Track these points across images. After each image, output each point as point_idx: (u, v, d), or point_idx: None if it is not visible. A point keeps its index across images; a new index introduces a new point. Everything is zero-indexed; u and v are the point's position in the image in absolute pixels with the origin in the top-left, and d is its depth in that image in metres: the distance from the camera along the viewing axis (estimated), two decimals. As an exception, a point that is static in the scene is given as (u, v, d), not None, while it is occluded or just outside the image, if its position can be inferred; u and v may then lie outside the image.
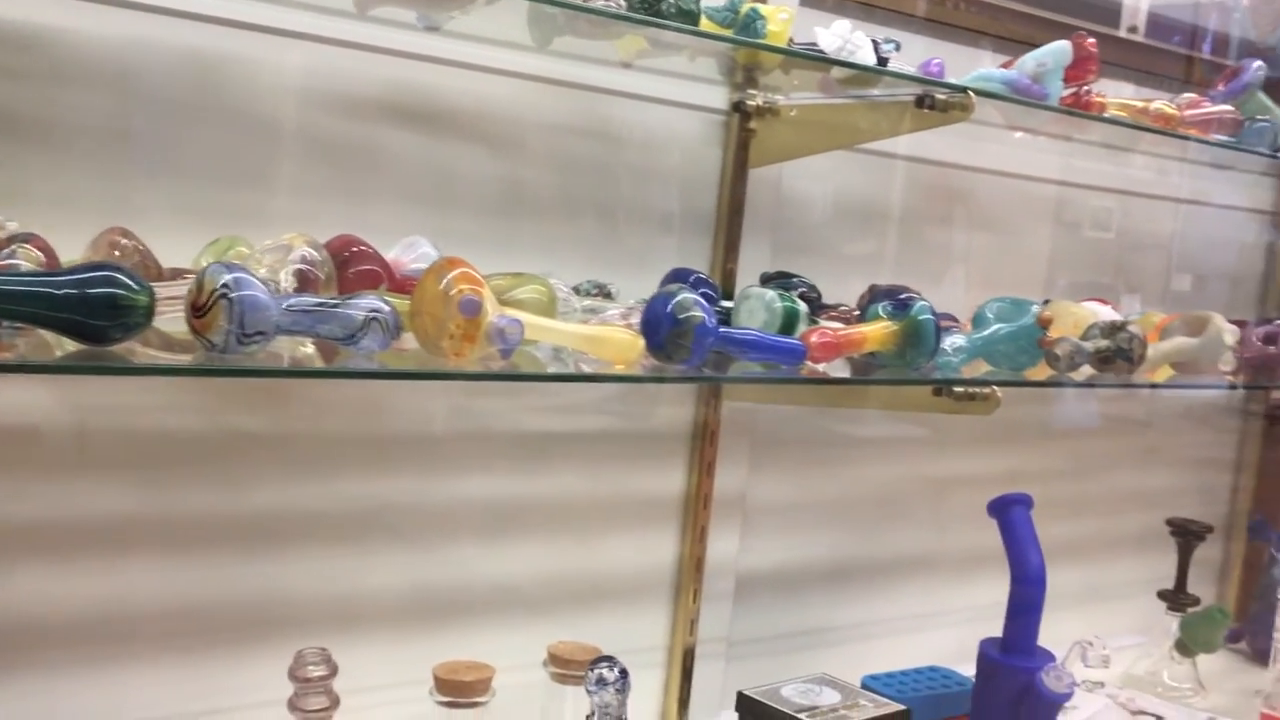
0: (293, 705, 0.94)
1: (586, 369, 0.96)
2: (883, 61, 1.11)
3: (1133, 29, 1.68)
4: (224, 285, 0.71)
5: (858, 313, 1.18)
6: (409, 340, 0.86)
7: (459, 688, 1.00)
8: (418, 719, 1.04)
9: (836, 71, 1.12)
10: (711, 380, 1.22)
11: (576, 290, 1.10)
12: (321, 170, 1.06)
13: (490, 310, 0.83)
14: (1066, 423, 1.72)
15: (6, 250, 0.78)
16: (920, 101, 1.09)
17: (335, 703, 0.94)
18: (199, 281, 0.72)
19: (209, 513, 1.04)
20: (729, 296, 1.20)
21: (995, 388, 1.11)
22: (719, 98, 1.27)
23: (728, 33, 1.02)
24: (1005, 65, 1.24)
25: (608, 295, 1.11)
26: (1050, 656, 1.21)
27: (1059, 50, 1.21)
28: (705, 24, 1.01)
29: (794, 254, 1.35)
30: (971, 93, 1.08)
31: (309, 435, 1.08)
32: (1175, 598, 1.60)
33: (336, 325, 0.78)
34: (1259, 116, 1.46)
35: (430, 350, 0.84)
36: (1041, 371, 1.19)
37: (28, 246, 0.79)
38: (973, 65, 1.24)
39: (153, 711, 1.03)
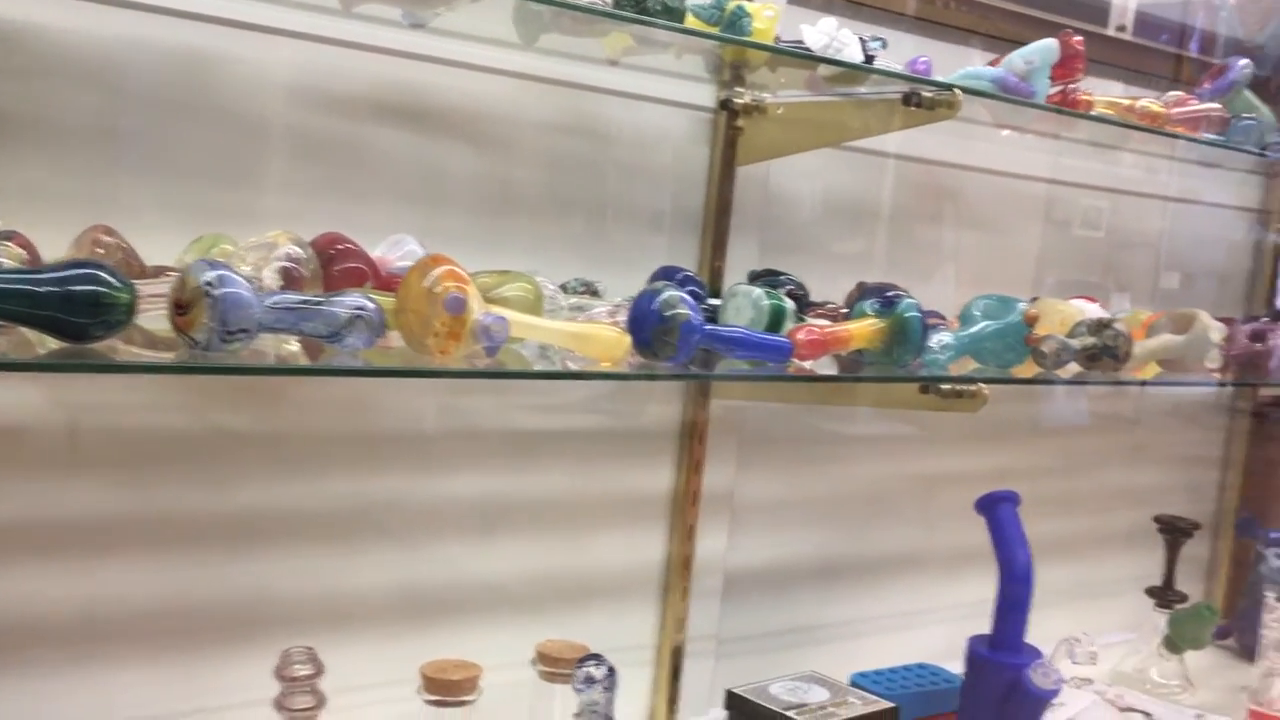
0: (279, 704, 0.93)
1: (573, 367, 0.96)
2: (869, 59, 1.11)
3: (1121, 28, 1.68)
4: (207, 283, 0.71)
5: (845, 310, 1.18)
6: (394, 338, 0.86)
7: (446, 686, 1.00)
8: (405, 718, 1.04)
9: (823, 69, 1.12)
10: (697, 378, 1.22)
11: (563, 288, 1.10)
12: (308, 168, 1.05)
13: (475, 308, 0.83)
14: (1055, 420, 1.72)
15: (-12, 248, 0.78)
16: (907, 99, 1.09)
17: (322, 702, 0.94)
18: (181, 279, 0.72)
19: (195, 512, 1.03)
20: (717, 294, 1.20)
21: (982, 385, 1.11)
22: (706, 95, 1.27)
23: (714, 30, 1.02)
24: (993, 63, 1.24)
25: (594, 293, 1.11)
26: (1038, 653, 1.21)
27: (1046, 48, 1.22)
28: (691, 21, 1.01)
29: (783, 252, 1.35)
30: (958, 90, 1.08)
31: (295, 434, 1.07)
32: (1163, 595, 1.60)
33: (320, 323, 0.78)
34: (1245, 114, 1.46)
35: (415, 348, 0.84)
36: (1028, 369, 1.19)
37: (9, 244, 0.79)
38: (961, 64, 1.24)
39: (139, 711, 1.03)
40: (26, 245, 0.81)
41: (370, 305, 0.79)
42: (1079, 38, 1.26)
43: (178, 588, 1.03)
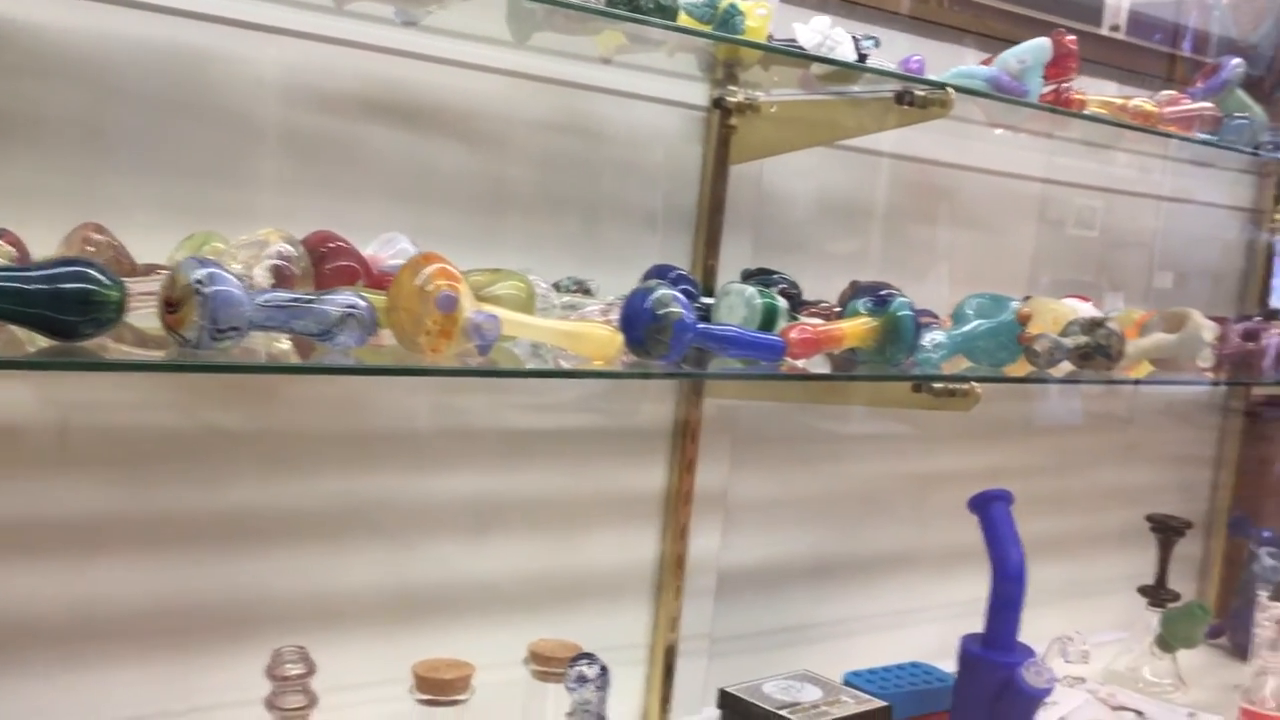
0: (270, 704, 0.93)
1: (566, 365, 0.96)
2: (862, 58, 1.11)
3: (1115, 27, 1.68)
4: (197, 280, 0.71)
5: (838, 309, 1.18)
6: (386, 336, 0.85)
7: (439, 686, 1.00)
8: (397, 717, 1.03)
9: (816, 68, 1.12)
10: (690, 376, 1.22)
11: (556, 286, 1.10)
12: (300, 166, 1.05)
13: (467, 306, 0.83)
14: (1048, 419, 1.73)
15: (-22, 246, 0.77)
16: (900, 98, 1.09)
17: (313, 701, 0.94)
18: (171, 277, 0.72)
19: (187, 510, 1.03)
20: (710, 293, 1.20)
21: (975, 384, 1.11)
22: (699, 94, 1.27)
23: (707, 28, 1.02)
24: (985, 62, 1.24)
25: (587, 291, 1.11)
26: (1031, 652, 1.21)
27: (1039, 47, 1.22)
28: (684, 19, 1.01)
29: (776, 251, 1.35)
30: (951, 89, 1.08)
31: (288, 432, 1.07)
32: (1156, 593, 1.61)
33: (311, 321, 0.77)
34: (1238, 114, 1.46)
35: (407, 346, 0.84)
36: (1021, 368, 1.20)
37: (-1, 242, 0.79)
38: (955, 63, 1.24)
39: (131, 710, 1.03)
40: (16, 243, 0.81)
41: (362, 303, 0.79)
42: (1072, 37, 1.26)
43: (170, 587, 1.03)
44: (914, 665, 1.38)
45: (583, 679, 0.96)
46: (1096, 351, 1.20)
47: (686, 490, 1.32)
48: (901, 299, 1.08)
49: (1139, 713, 1.47)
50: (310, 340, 0.79)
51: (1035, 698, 1.19)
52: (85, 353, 0.72)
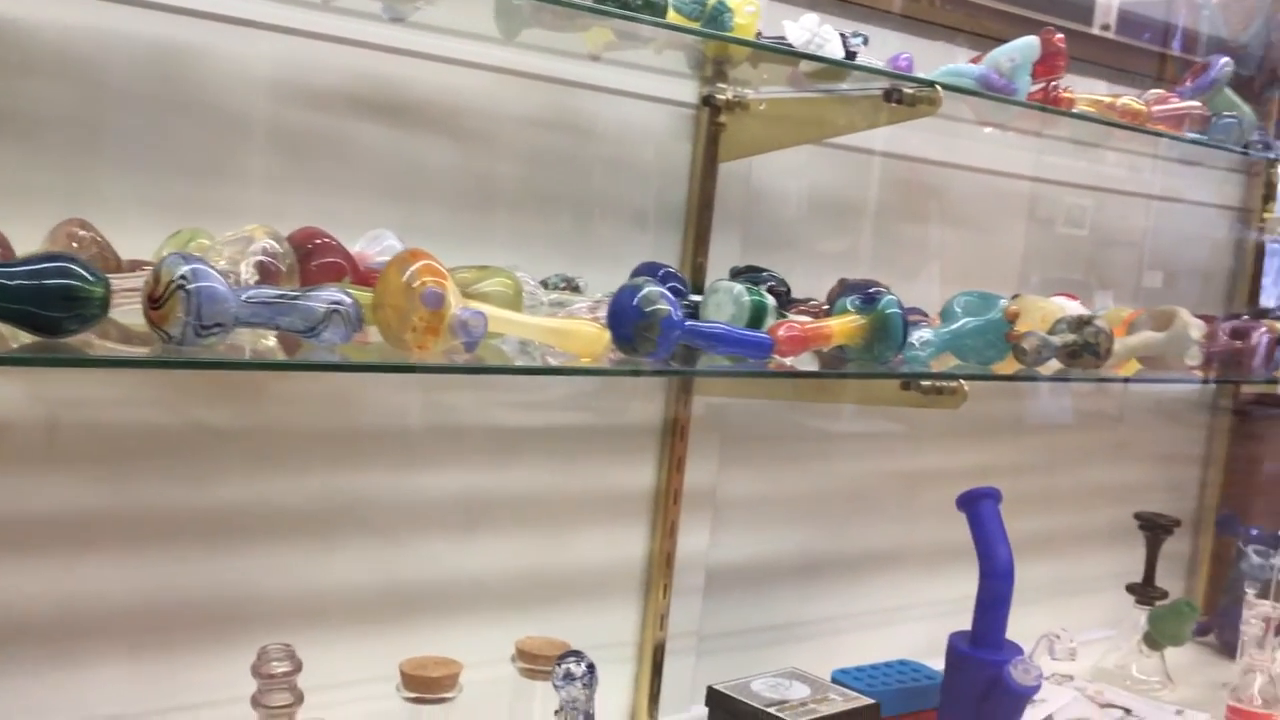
0: (256, 702, 0.93)
1: (553, 362, 0.96)
2: (851, 56, 1.11)
3: (1105, 26, 1.68)
4: (181, 276, 0.71)
5: (827, 307, 1.18)
6: (373, 333, 0.85)
7: (426, 684, 0.99)
8: (385, 715, 1.03)
9: (805, 65, 1.12)
10: (676, 373, 1.22)
11: (544, 284, 1.10)
12: (287, 163, 1.05)
13: (454, 303, 0.83)
14: (1037, 417, 1.73)
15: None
16: (888, 96, 1.09)
17: (299, 699, 0.94)
18: (156, 273, 0.71)
19: (175, 508, 1.03)
20: (699, 290, 1.20)
21: (962, 382, 1.11)
22: (688, 91, 1.27)
23: (695, 25, 1.02)
24: (975, 60, 1.24)
25: (575, 289, 1.11)
26: (1018, 650, 1.21)
27: (1027, 45, 1.22)
28: (673, 16, 1.01)
29: (766, 249, 1.35)
30: (939, 87, 1.08)
31: (275, 429, 1.07)
32: (1144, 591, 1.61)
33: (297, 317, 0.77)
34: (1226, 112, 1.47)
35: (393, 343, 0.84)
36: (1009, 365, 1.20)
37: (-18, 237, 0.78)
38: (947, 61, 1.24)
39: (117, 708, 1.02)
40: (-1, 239, 0.81)
41: (347, 300, 0.78)
42: (1060, 35, 1.26)
43: (157, 584, 1.03)
44: (902, 663, 1.38)
45: (570, 677, 0.96)
46: (1084, 349, 1.20)
47: (675, 488, 1.32)
48: (889, 297, 1.08)
49: (1127, 710, 1.47)
50: (296, 337, 0.79)
51: (1023, 695, 1.19)
52: (69, 349, 0.72)
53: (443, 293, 0.81)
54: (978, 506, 1.23)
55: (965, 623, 1.24)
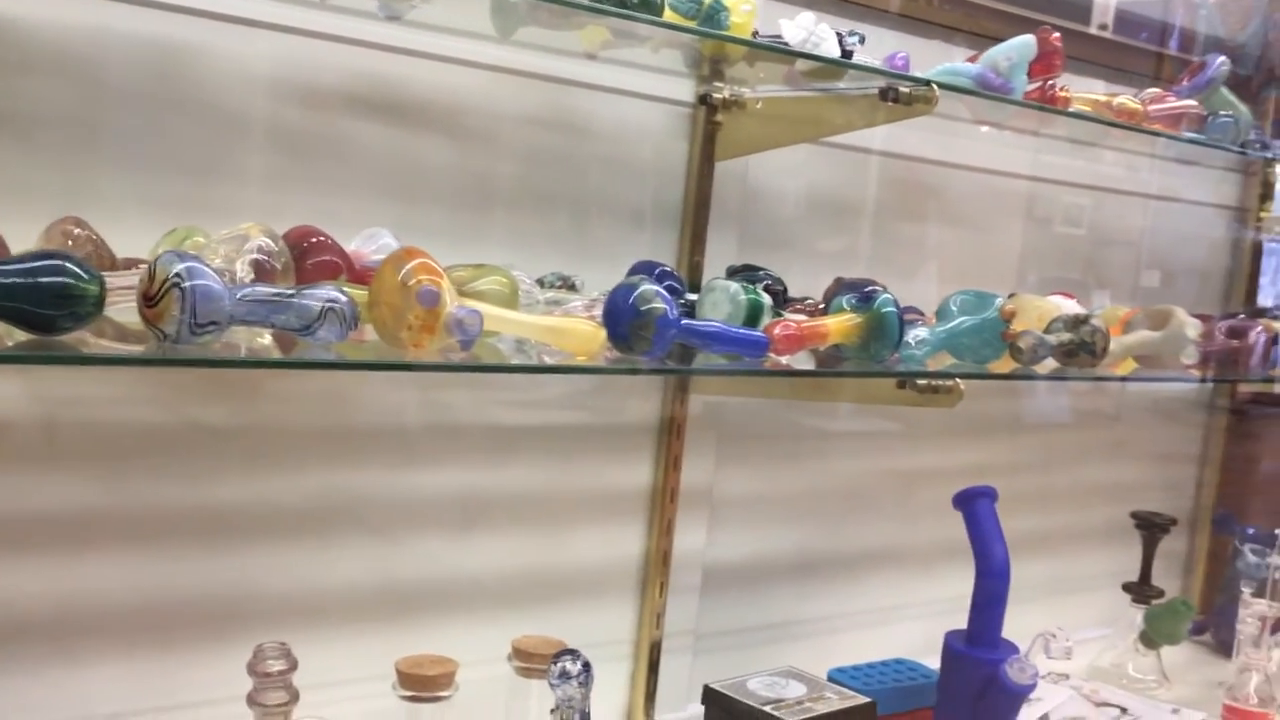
0: (252, 700, 0.93)
1: (549, 361, 0.96)
2: (847, 54, 1.11)
3: (1103, 26, 1.69)
4: (176, 275, 0.71)
5: (823, 306, 1.18)
6: (368, 332, 0.85)
7: (422, 682, 1.00)
8: (381, 714, 1.03)
9: (802, 64, 1.12)
10: (673, 372, 1.22)
11: (541, 282, 1.10)
12: (284, 161, 1.05)
13: (449, 301, 0.83)
14: (1034, 416, 1.73)
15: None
16: (884, 94, 1.09)
17: (295, 697, 0.93)
18: (150, 271, 0.71)
19: (172, 506, 1.03)
20: (695, 289, 1.20)
21: (958, 380, 1.11)
22: (685, 90, 1.27)
23: (691, 24, 1.02)
24: (971, 59, 1.24)
25: (572, 287, 1.11)
26: (1014, 648, 1.21)
27: (1023, 44, 1.22)
28: (669, 15, 1.01)
29: (764, 248, 1.35)
30: (935, 86, 1.08)
31: (272, 428, 1.07)
32: (1140, 590, 1.61)
33: (292, 315, 0.77)
34: (1222, 112, 1.47)
35: (389, 341, 0.84)
36: (1005, 364, 1.20)
37: (-22, 236, 0.78)
38: (944, 61, 1.24)
39: (115, 706, 1.02)
40: (-5, 237, 0.81)
41: (342, 298, 0.78)
42: (1057, 34, 1.26)
43: (154, 583, 1.03)
44: (898, 662, 1.38)
45: (565, 675, 0.96)
46: (1080, 348, 1.20)
47: (672, 486, 1.32)
48: (885, 296, 1.08)
49: (1123, 709, 1.47)
50: (291, 335, 0.79)
51: (1018, 694, 1.19)
52: (64, 347, 0.72)
53: (438, 291, 0.81)
54: (974, 505, 1.23)
55: (962, 621, 1.24)
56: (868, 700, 1.21)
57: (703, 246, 1.28)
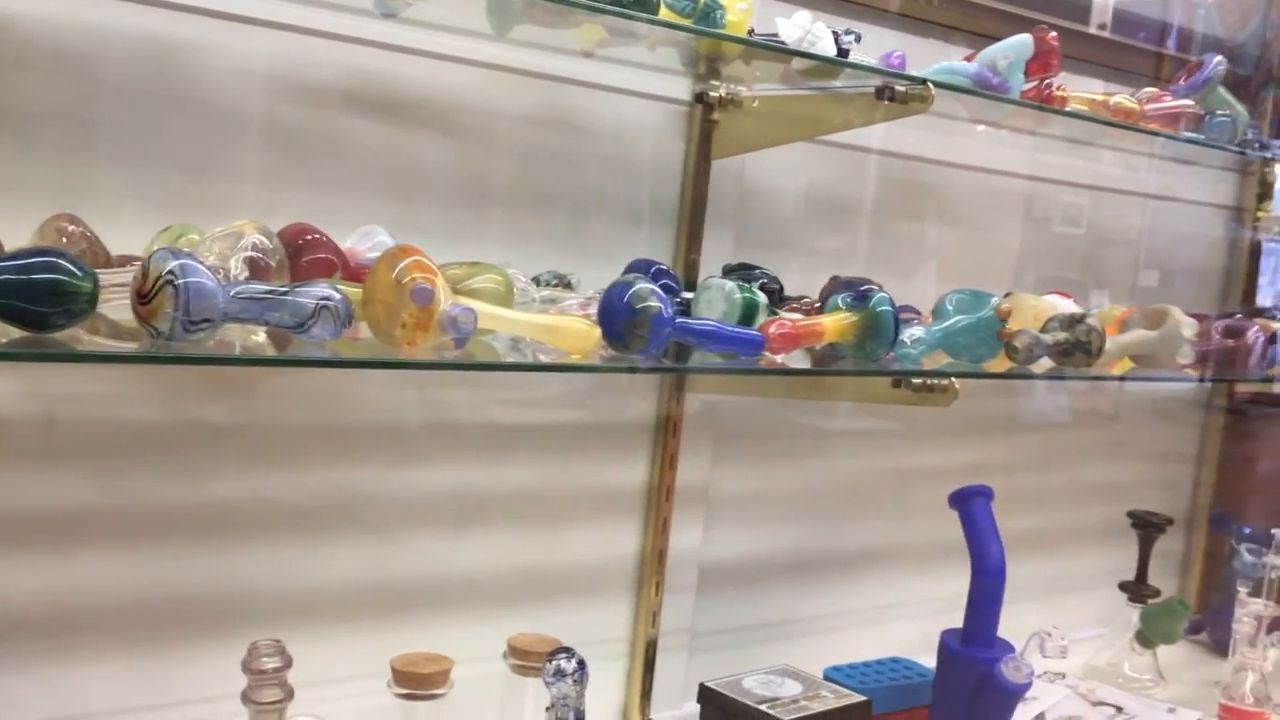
0: (246, 698, 0.93)
1: (544, 359, 0.96)
2: (843, 53, 1.11)
3: (1102, 25, 1.69)
4: (169, 272, 0.71)
5: (819, 305, 1.18)
6: (363, 329, 0.85)
7: (417, 680, 1.00)
8: (376, 712, 1.03)
9: (797, 62, 1.12)
10: (669, 371, 1.22)
11: (536, 280, 1.10)
12: (280, 158, 1.05)
13: (443, 299, 0.83)
14: (1031, 415, 1.73)
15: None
16: (880, 93, 1.09)
17: (289, 695, 0.94)
18: (144, 268, 0.71)
19: (168, 503, 1.03)
20: (692, 288, 1.20)
21: (954, 379, 1.11)
22: (681, 88, 1.27)
23: (687, 22, 1.02)
24: (968, 58, 1.24)
25: (567, 285, 1.11)
26: (1010, 647, 1.21)
27: (1020, 44, 1.22)
28: (665, 13, 1.01)
29: (760, 246, 1.35)
30: (931, 84, 1.08)
31: (268, 425, 1.07)
32: (1136, 589, 1.61)
33: (286, 313, 0.77)
34: (1219, 111, 1.47)
35: (383, 339, 0.84)
36: (1001, 363, 1.20)
37: (-28, 232, 0.78)
38: (943, 60, 1.24)
39: (110, 704, 1.03)
40: (-11, 234, 0.81)
41: (336, 296, 0.78)
42: (1054, 33, 1.26)
43: (150, 580, 1.03)
44: (894, 660, 1.38)
45: (560, 673, 0.96)
46: (1076, 348, 1.20)
47: (668, 485, 1.32)
48: (881, 294, 1.08)
49: (1119, 708, 1.47)
50: (286, 333, 0.79)
51: (1014, 693, 1.19)
52: (57, 344, 0.72)
53: (432, 289, 0.81)
54: (969, 504, 1.23)
55: (958, 620, 1.24)
56: (863, 699, 1.21)
57: (699, 245, 1.28)
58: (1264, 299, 1.95)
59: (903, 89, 1.09)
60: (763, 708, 1.15)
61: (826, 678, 1.29)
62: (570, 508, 1.27)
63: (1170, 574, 1.95)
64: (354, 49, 1.06)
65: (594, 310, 0.96)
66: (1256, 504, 1.89)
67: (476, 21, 1.03)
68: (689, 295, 1.13)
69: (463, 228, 1.15)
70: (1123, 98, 1.38)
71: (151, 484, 1.02)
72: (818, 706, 1.17)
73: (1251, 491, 1.93)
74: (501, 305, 0.93)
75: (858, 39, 1.12)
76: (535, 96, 1.18)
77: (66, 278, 0.69)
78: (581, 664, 0.97)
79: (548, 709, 0.97)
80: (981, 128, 1.51)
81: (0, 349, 0.71)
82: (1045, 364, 1.22)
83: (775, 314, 1.10)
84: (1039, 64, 1.26)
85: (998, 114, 1.38)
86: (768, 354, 1.03)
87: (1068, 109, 1.30)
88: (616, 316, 0.93)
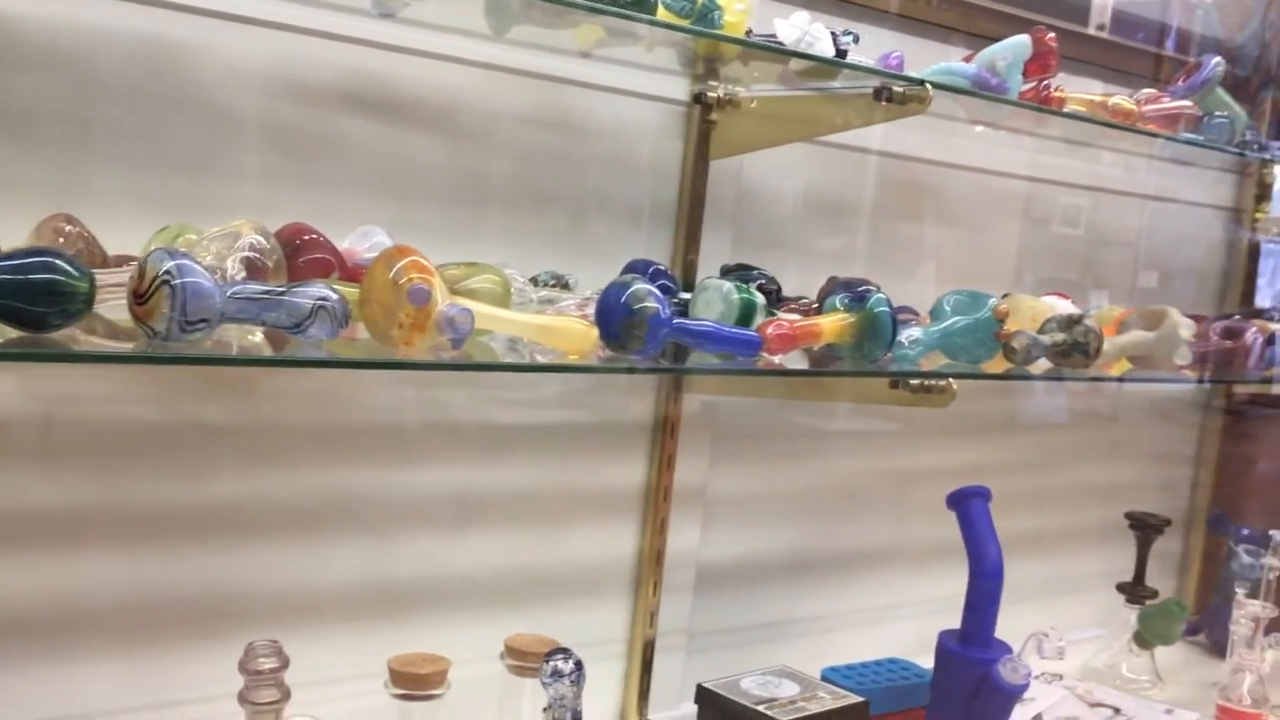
0: (243, 698, 0.93)
1: (542, 360, 0.96)
2: (841, 54, 1.11)
3: (1101, 26, 1.69)
4: (166, 272, 0.71)
5: (817, 306, 1.18)
6: (361, 330, 0.85)
7: (414, 680, 1.00)
8: (374, 712, 1.03)
9: (795, 63, 1.12)
10: (667, 371, 1.22)
11: (534, 281, 1.10)
12: (278, 159, 1.05)
13: (440, 299, 0.83)
14: (1029, 416, 1.73)
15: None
16: (878, 94, 1.09)
17: (286, 695, 0.93)
18: (140, 268, 0.71)
19: (166, 504, 1.03)
20: (690, 288, 1.20)
21: (951, 380, 1.11)
22: (680, 89, 1.27)
23: (685, 23, 1.02)
24: (966, 59, 1.24)
25: (565, 286, 1.11)
26: (1007, 648, 1.21)
27: (1018, 44, 1.22)
28: (663, 14, 1.01)
29: (758, 247, 1.35)
30: (929, 85, 1.08)
31: (267, 425, 1.07)
32: (1134, 590, 1.61)
33: (283, 313, 0.77)
34: (1217, 112, 1.47)
35: (380, 339, 0.84)
36: (999, 364, 1.20)
37: (-32, 232, 0.78)
38: (941, 61, 1.24)
39: (108, 704, 1.03)
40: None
41: (333, 296, 0.78)
42: (1052, 34, 1.26)
43: (148, 580, 1.03)
44: (892, 661, 1.38)
45: (557, 674, 0.96)
46: (1073, 349, 1.20)
47: (666, 485, 1.32)
48: (878, 295, 1.08)
49: (1116, 709, 1.47)
50: (283, 333, 0.79)
51: (1011, 694, 1.19)
52: (54, 344, 0.72)
53: (429, 289, 0.81)
54: (967, 505, 1.23)
55: (956, 621, 1.24)
56: (861, 700, 1.21)
57: (697, 245, 1.28)
58: (1263, 300, 1.95)
59: (901, 90, 1.09)
60: (760, 708, 1.15)
61: (824, 678, 1.29)
62: (568, 508, 1.27)
63: (1168, 575, 1.95)
64: (352, 49, 1.06)
65: (591, 311, 0.96)
66: (1254, 505, 1.89)
67: (474, 22, 1.03)
68: (687, 296, 1.13)
69: (460, 228, 1.15)
70: (1121, 99, 1.38)
71: (150, 484, 1.02)
72: (815, 707, 1.17)
73: (1249, 493, 1.93)
74: (499, 306, 0.93)
75: (856, 40, 1.12)
76: (533, 97, 1.18)
77: (63, 278, 0.69)
78: (578, 664, 0.97)
79: (545, 710, 0.97)
80: (980, 129, 1.51)
81: (-3, 349, 0.71)
82: (1043, 365, 1.22)
83: (773, 314, 1.10)
84: (1037, 65, 1.26)
85: (996, 115, 1.38)
86: (765, 354, 1.03)
87: (1066, 110, 1.30)
88: (614, 317, 0.93)
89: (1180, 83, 1.48)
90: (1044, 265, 1.72)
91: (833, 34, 1.10)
